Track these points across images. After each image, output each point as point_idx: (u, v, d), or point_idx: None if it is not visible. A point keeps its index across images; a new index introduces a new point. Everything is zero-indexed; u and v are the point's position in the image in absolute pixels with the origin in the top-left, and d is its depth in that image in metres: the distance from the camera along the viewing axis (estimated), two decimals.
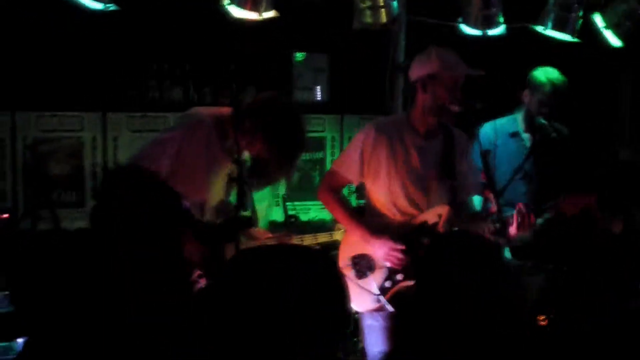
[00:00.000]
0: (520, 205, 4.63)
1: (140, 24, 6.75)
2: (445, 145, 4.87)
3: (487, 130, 5.81)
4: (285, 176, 4.75)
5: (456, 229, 4.77)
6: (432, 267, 2.98)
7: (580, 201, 4.83)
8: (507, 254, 5.64)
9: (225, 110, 4.69)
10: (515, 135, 6.03)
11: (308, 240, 5.09)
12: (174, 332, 2.72)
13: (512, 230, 4.62)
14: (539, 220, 5.66)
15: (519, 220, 4.60)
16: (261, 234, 5.18)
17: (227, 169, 4.75)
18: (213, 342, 2.15)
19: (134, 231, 2.88)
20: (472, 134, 5.14)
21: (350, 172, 4.87)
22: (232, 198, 5.12)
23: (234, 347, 2.12)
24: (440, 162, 4.85)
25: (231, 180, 4.70)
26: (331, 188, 4.96)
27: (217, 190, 4.81)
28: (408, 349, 2.94)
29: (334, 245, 5.22)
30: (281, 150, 4.55)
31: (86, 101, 6.80)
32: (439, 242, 3.20)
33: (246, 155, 4.65)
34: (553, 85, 5.86)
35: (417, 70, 4.78)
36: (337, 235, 5.27)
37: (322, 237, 5.16)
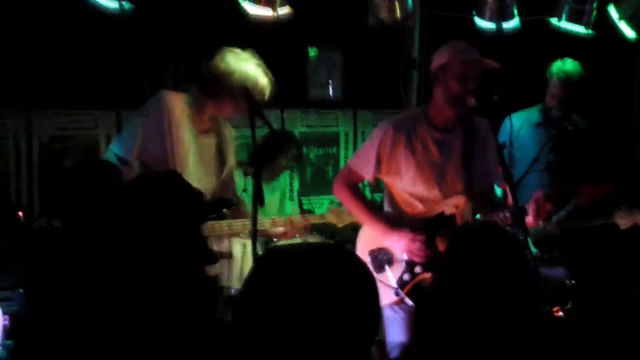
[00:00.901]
0: (539, 194, 4.63)
1: (155, 22, 6.75)
2: (465, 137, 4.87)
3: (508, 123, 5.82)
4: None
5: (478, 219, 4.77)
6: (455, 258, 2.98)
7: (599, 190, 4.83)
8: (532, 246, 5.64)
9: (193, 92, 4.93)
10: (540, 125, 6.04)
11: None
12: (178, 332, 2.72)
13: (529, 219, 4.61)
14: (561, 213, 5.69)
15: (536, 208, 4.59)
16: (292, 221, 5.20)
17: (209, 149, 4.83)
18: (224, 342, 2.17)
19: (146, 228, 2.88)
20: (492, 127, 5.14)
21: (366, 169, 4.88)
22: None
23: (257, 349, 2.12)
24: (461, 155, 4.86)
25: (245, 174, 4.76)
26: (347, 184, 4.97)
27: (206, 172, 4.88)
28: (428, 340, 2.93)
29: (350, 240, 5.24)
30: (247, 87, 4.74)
31: (101, 99, 6.80)
32: (461, 234, 3.20)
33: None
34: (561, 77, 5.88)
35: (434, 63, 4.79)
36: (331, 218, 5.29)
37: (313, 219, 5.23)
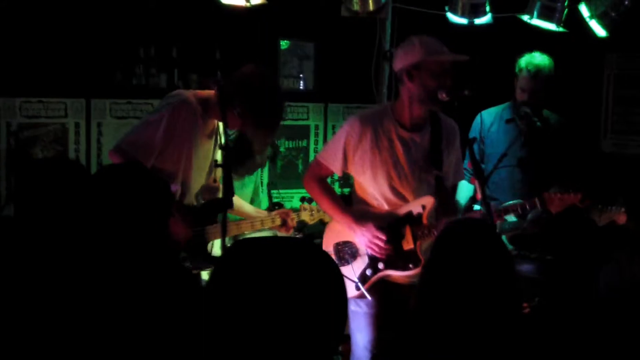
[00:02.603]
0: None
1: (126, 9, 6.72)
2: (432, 136, 4.88)
3: (478, 119, 5.84)
4: (264, 149, 4.81)
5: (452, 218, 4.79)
6: (441, 254, 2.99)
7: (566, 199, 4.88)
8: (507, 243, 5.69)
9: (206, 92, 4.77)
10: (510, 121, 6.04)
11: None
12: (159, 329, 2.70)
13: None
14: (537, 209, 5.71)
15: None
16: (258, 213, 5.24)
17: (209, 152, 4.81)
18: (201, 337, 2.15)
19: (122, 221, 2.85)
20: (461, 122, 5.15)
21: (334, 163, 4.89)
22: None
23: (225, 343, 2.11)
24: (427, 154, 4.86)
25: (216, 165, 4.75)
26: (316, 177, 5.00)
27: (201, 174, 4.86)
28: (410, 338, 2.94)
29: (320, 233, 5.26)
30: (264, 121, 4.71)
31: (70, 87, 6.76)
32: (447, 230, 3.21)
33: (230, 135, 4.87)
34: (530, 70, 5.88)
35: (401, 61, 4.76)
36: (304, 216, 5.32)
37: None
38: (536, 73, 5.87)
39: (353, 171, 4.92)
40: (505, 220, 5.67)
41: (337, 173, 4.98)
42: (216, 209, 4.83)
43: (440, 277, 2.91)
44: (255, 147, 4.90)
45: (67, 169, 3.46)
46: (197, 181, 4.88)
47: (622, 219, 5.46)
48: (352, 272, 4.80)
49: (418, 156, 4.83)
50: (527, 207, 4.93)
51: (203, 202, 4.97)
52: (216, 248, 5.36)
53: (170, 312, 2.74)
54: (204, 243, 4.86)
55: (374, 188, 4.86)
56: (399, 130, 4.82)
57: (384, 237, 4.73)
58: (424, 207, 4.80)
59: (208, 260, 4.80)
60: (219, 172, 4.91)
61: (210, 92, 4.78)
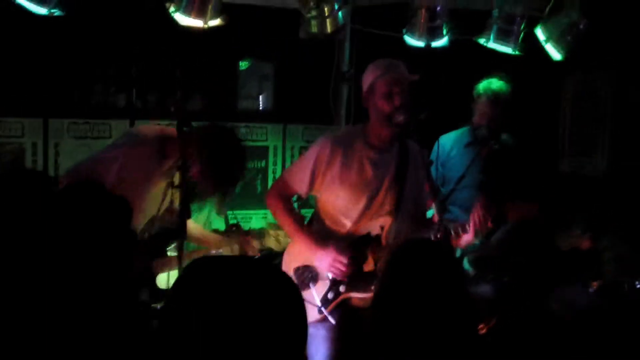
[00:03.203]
0: (477, 206, 4.67)
1: (85, 29, 6.68)
2: (399, 157, 4.89)
3: (441, 142, 5.88)
4: (218, 201, 4.77)
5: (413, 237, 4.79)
6: (393, 275, 2.98)
7: (523, 210, 4.89)
8: (468, 265, 5.70)
9: (168, 130, 4.70)
10: (469, 145, 6.09)
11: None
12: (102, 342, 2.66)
13: (469, 236, 4.67)
14: (500, 232, 5.74)
15: (476, 222, 4.64)
16: (214, 238, 5.20)
17: (161, 188, 4.74)
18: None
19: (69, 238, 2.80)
20: (419, 145, 5.17)
21: (300, 184, 4.87)
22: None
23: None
24: (393, 175, 4.87)
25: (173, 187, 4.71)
26: (280, 195, 4.95)
27: (151, 211, 4.80)
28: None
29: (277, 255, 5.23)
30: (219, 182, 4.64)
31: (28, 106, 6.70)
32: (400, 251, 3.21)
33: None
34: (489, 95, 5.94)
35: (363, 85, 4.82)
36: (269, 242, 5.29)
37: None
38: (495, 99, 5.93)
39: (319, 192, 4.90)
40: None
41: (302, 194, 4.96)
42: (167, 240, 4.79)
43: (392, 299, 2.91)
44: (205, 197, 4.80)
45: (32, 179, 3.42)
46: (146, 216, 4.82)
47: (585, 244, 5.50)
48: (313, 296, 4.78)
49: (385, 177, 4.84)
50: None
51: (153, 233, 4.89)
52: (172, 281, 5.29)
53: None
54: (152, 277, 4.80)
55: (339, 209, 4.85)
56: (369, 151, 4.82)
57: (345, 260, 4.70)
58: (382, 227, 4.80)
59: (154, 294, 4.74)
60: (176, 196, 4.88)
61: (172, 132, 4.65)
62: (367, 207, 4.81)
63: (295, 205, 6.70)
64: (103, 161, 4.58)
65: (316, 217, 5.03)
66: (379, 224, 4.80)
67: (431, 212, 5.92)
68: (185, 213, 4.28)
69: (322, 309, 4.75)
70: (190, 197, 4.34)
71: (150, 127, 4.96)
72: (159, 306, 4.72)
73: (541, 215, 4.96)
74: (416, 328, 2.82)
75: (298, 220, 4.97)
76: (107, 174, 4.44)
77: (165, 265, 4.75)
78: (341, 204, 4.83)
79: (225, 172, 4.61)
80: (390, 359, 2.84)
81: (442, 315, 2.83)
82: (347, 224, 4.85)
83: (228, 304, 2.05)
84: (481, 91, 5.96)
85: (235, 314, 2.04)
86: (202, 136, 4.59)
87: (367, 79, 4.74)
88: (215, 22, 5.65)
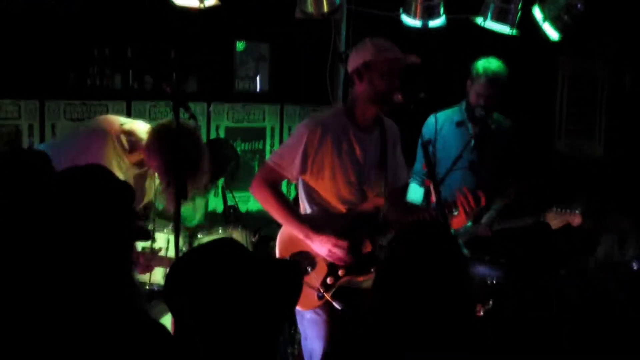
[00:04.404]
0: (464, 191, 4.65)
1: (80, 10, 6.66)
2: (381, 136, 4.88)
3: (432, 120, 5.87)
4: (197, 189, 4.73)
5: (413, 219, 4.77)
6: (395, 257, 2.97)
7: (514, 189, 4.89)
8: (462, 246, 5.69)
9: (134, 125, 4.72)
10: (461, 124, 6.10)
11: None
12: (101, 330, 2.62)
13: (460, 217, 4.64)
14: (491, 213, 5.75)
15: (465, 203, 4.62)
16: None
17: (134, 181, 4.72)
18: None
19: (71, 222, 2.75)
20: (415, 124, 5.16)
21: (289, 169, 4.75)
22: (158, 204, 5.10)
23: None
24: (378, 155, 4.86)
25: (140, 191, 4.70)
26: (268, 183, 4.81)
27: None
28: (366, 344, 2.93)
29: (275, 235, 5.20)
30: (170, 179, 4.52)
31: (24, 88, 6.69)
32: (402, 233, 3.19)
33: None
34: (488, 75, 5.93)
35: (354, 61, 4.74)
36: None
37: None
38: (494, 79, 5.92)
39: (310, 175, 4.80)
40: None
41: (292, 179, 4.87)
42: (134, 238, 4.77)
43: (395, 281, 2.90)
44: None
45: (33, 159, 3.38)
46: None
47: (577, 221, 5.49)
48: (313, 281, 4.73)
49: (372, 157, 4.82)
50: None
51: None
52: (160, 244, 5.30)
53: None
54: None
55: (331, 191, 4.79)
56: (356, 131, 4.79)
57: (345, 245, 4.66)
58: (377, 208, 4.80)
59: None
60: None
61: (137, 127, 4.70)
62: (360, 188, 4.79)
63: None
64: (58, 148, 4.59)
65: (307, 202, 4.93)
66: (374, 204, 4.79)
67: (419, 192, 5.94)
68: (180, 194, 4.26)
69: (323, 294, 4.72)
70: (184, 179, 4.31)
71: (114, 119, 4.91)
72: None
73: (531, 193, 4.96)
74: (418, 311, 2.80)
75: (290, 207, 4.86)
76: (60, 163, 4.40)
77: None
78: (334, 187, 4.77)
79: (175, 171, 4.58)
80: (392, 342, 2.83)
81: (444, 298, 2.82)
82: (341, 206, 4.81)
83: (220, 292, 2.06)
84: (480, 71, 5.94)
85: (227, 300, 2.05)
86: (156, 134, 4.60)
87: (364, 55, 4.67)
88: (210, 2, 5.63)
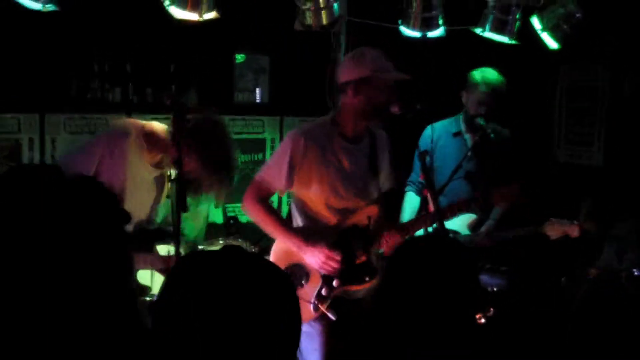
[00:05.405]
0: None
1: (80, 24, 6.67)
2: (371, 146, 4.90)
3: (428, 132, 5.88)
4: (216, 192, 4.73)
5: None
6: (399, 271, 2.96)
7: (505, 192, 4.88)
8: None
9: (152, 125, 4.69)
10: (457, 135, 6.12)
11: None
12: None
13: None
14: (490, 222, 5.76)
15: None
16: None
17: (149, 180, 4.72)
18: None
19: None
20: (413, 134, 5.17)
21: (278, 182, 4.79)
22: (160, 215, 5.09)
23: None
24: (368, 164, 4.88)
25: (159, 193, 4.70)
26: (258, 198, 4.85)
27: (140, 205, 4.78)
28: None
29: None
30: (214, 171, 4.58)
31: (24, 102, 6.69)
32: (406, 246, 3.19)
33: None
34: (488, 85, 5.95)
35: (348, 74, 4.74)
36: None
37: None
38: (494, 89, 5.94)
39: (298, 187, 4.84)
40: (459, 233, 5.73)
41: (281, 191, 4.91)
42: (155, 236, 4.77)
43: (398, 291, 2.89)
44: (204, 190, 4.75)
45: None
46: (133, 205, 4.78)
47: (575, 232, 5.50)
48: (307, 293, 4.75)
49: (361, 167, 4.85)
50: (471, 203, 4.92)
51: (142, 227, 4.87)
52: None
53: None
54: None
55: (319, 202, 4.83)
56: (343, 142, 4.81)
57: (338, 257, 4.69)
58: (369, 217, 4.80)
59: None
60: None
61: (157, 127, 4.69)
62: (348, 198, 4.81)
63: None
64: (82, 151, 4.60)
65: (298, 214, 4.98)
66: (366, 214, 4.80)
67: (416, 201, 5.96)
68: (180, 207, 4.26)
69: (318, 305, 4.73)
70: (185, 191, 4.32)
71: (130, 120, 4.94)
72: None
73: (525, 196, 4.95)
74: (420, 319, 2.80)
75: (281, 220, 4.92)
76: (86, 165, 4.39)
77: (147, 262, 4.73)
78: (322, 197, 4.80)
79: (219, 160, 4.60)
80: (393, 345, 2.83)
81: (448, 310, 2.81)
82: (331, 217, 4.83)
83: (221, 298, 2.04)
84: (479, 80, 5.96)
85: (229, 307, 2.04)
86: (193, 128, 4.58)
87: (361, 71, 4.68)
88: (210, 15, 5.64)
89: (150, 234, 4.82)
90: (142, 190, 4.73)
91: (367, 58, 4.69)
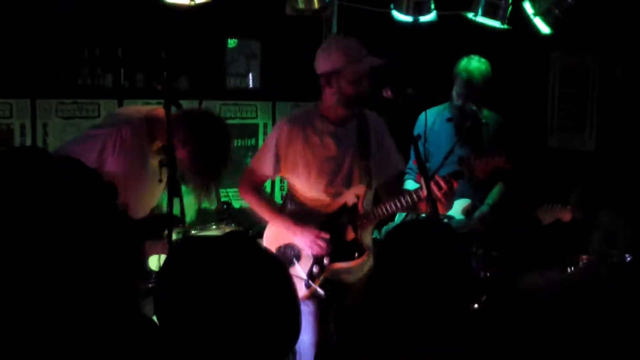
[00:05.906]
0: (435, 179, 4.66)
1: (71, 9, 6.64)
2: (359, 128, 4.94)
3: (422, 117, 5.89)
4: (196, 192, 4.75)
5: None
6: (391, 254, 2.95)
7: (490, 162, 4.86)
8: None
9: (154, 111, 4.67)
10: (451, 120, 6.12)
11: None
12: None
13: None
14: (484, 208, 5.77)
15: (438, 190, 4.63)
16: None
17: (155, 169, 4.70)
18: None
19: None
20: (408, 121, 5.16)
21: (266, 167, 4.94)
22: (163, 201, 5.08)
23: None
24: (357, 146, 4.92)
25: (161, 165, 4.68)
26: (251, 185, 5.06)
27: (148, 196, 4.78)
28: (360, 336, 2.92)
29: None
30: (202, 168, 4.62)
31: (15, 87, 6.67)
32: (398, 230, 3.19)
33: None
34: (467, 74, 5.96)
35: (322, 64, 4.81)
36: None
37: None
38: (469, 79, 6.00)
39: (286, 172, 4.98)
40: (453, 218, 5.74)
41: (271, 177, 5.08)
42: (164, 223, 4.75)
43: (390, 276, 2.89)
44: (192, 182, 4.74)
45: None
46: (144, 202, 4.78)
47: (567, 216, 5.52)
48: (299, 271, 4.87)
49: (348, 148, 4.90)
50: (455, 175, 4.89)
51: (150, 216, 4.87)
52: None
53: None
54: (142, 258, 4.76)
55: (308, 186, 4.93)
56: (328, 126, 4.89)
57: (327, 236, 4.83)
58: (357, 196, 4.86)
59: (144, 276, 4.69)
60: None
61: (161, 114, 4.57)
62: (335, 180, 4.89)
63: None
64: (85, 141, 4.55)
65: (289, 198, 5.10)
66: (354, 193, 4.86)
67: (414, 187, 5.96)
68: (173, 191, 4.27)
69: (310, 282, 4.85)
70: (176, 176, 4.32)
71: (135, 108, 4.94)
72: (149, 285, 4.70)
73: (509, 166, 4.93)
74: (412, 306, 2.79)
75: (273, 205, 5.14)
76: (88, 153, 4.33)
77: (158, 248, 4.73)
78: (309, 181, 4.91)
79: (210, 160, 4.61)
80: (383, 335, 2.83)
81: (440, 294, 2.80)
82: (321, 198, 4.93)
83: (217, 283, 2.04)
84: (457, 71, 6.01)
85: (224, 292, 2.03)
86: (191, 120, 4.59)
87: (333, 62, 4.73)
88: (201, 0, 5.64)
89: (158, 221, 4.82)
90: (152, 180, 4.72)
91: (337, 49, 4.74)
